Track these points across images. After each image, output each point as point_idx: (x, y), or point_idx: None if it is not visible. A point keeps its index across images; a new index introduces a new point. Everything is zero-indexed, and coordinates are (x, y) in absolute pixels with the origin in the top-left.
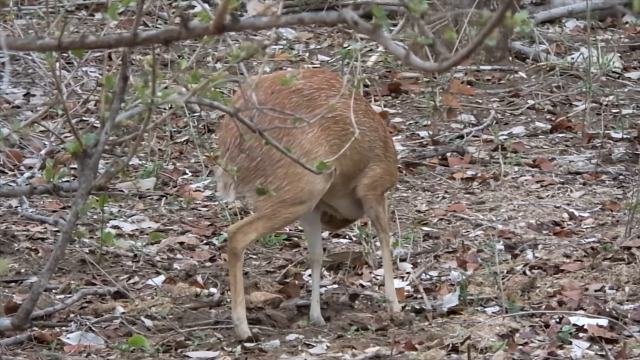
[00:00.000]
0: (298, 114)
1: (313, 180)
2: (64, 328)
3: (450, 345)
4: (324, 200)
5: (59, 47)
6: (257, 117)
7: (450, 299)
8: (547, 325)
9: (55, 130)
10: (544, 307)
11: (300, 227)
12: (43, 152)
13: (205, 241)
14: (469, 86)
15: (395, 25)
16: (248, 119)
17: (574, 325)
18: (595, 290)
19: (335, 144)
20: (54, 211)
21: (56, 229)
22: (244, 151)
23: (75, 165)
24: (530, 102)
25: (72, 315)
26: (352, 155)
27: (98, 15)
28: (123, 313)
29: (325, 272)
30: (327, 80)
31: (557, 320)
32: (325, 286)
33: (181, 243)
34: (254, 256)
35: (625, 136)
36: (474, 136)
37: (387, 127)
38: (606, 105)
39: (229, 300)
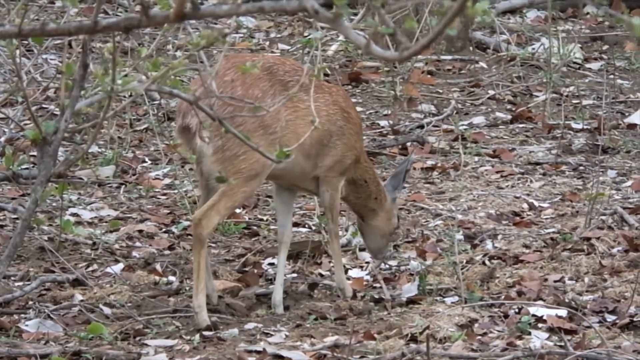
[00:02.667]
0: (260, 86)
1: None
2: (22, 315)
3: (409, 335)
4: (295, 184)
5: (19, 34)
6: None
7: (409, 289)
8: (506, 316)
9: (15, 118)
10: (503, 297)
11: (259, 216)
12: (2, 139)
13: (164, 229)
14: (429, 76)
15: (355, 14)
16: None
17: (533, 315)
18: (555, 281)
19: (290, 119)
20: (13, 198)
21: (15, 216)
22: (202, 139)
23: (35, 153)
24: (491, 92)
25: (30, 302)
26: (310, 134)
27: (58, 3)
28: (82, 301)
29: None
30: (276, 58)
31: (516, 310)
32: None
33: (140, 231)
34: (214, 245)
35: (585, 127)
36: (434, 126)
37: (348, 97)
38: (567, 95)
39: (187, 288)
